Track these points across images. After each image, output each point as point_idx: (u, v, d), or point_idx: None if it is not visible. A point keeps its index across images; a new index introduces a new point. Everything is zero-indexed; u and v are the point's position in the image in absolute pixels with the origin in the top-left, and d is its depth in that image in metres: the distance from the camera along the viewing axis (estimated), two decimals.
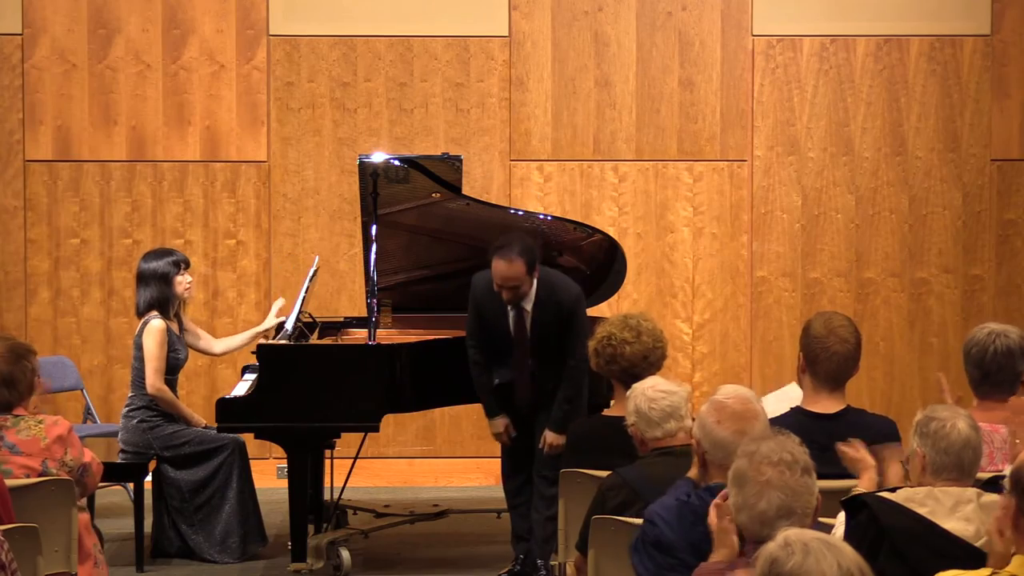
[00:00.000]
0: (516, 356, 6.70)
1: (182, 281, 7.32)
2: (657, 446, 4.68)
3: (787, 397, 5.43)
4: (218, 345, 7.77)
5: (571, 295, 6.72)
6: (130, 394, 7.33)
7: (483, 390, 6.81)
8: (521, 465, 6.82)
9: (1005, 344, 4.97)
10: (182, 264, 7.34)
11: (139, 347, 7.26)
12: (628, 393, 4.90)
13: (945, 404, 4.22)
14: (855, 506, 4.02)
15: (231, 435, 7.18)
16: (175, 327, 7.34)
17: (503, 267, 6.54)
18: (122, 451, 7.25)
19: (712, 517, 3.66)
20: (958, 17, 9.84)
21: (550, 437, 6.58)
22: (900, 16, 9.83)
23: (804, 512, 3.42)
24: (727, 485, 3.51)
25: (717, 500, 3.66)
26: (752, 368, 9.86)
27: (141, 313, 7.32)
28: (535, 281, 6.65)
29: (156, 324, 7.21)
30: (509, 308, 6.65)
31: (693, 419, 4.35)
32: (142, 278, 7.33)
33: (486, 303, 6.70)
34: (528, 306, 6.65)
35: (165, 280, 7.27)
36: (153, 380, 7.19)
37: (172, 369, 7.30)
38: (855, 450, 4.48)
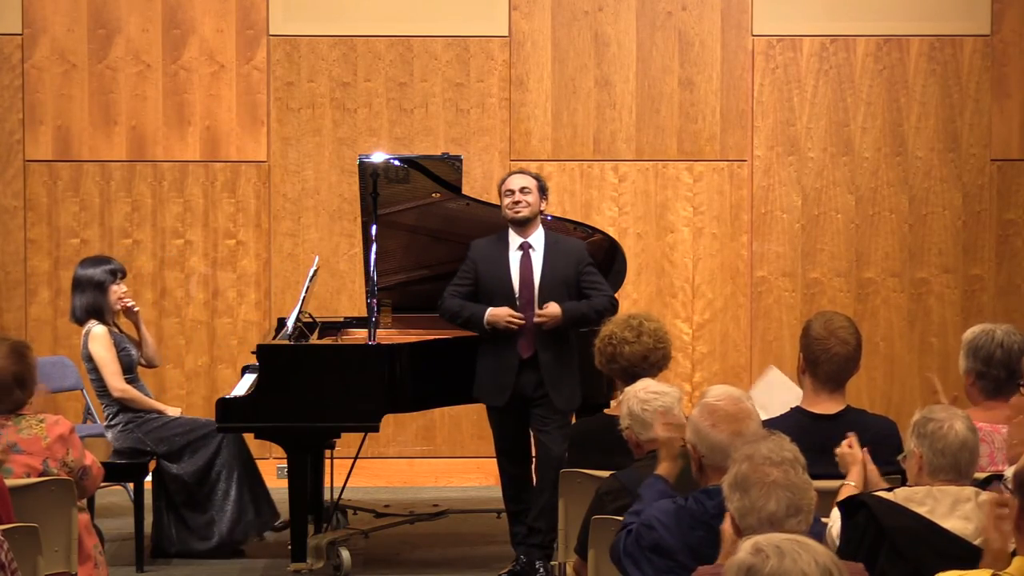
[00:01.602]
0: (521, 304, 6.74)
1: (116, 291, 7.27)
2: (652, 448, 4.67)
3: (771, 385, 5.42)
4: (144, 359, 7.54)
5: (578, 242, 6.99)
6: (103, 405, 7.30)
7: (464, 310, 6.80)
8: (519, 471, 6.82)
9: (1012, 343, 4.96)
10: (119, 273, 7.30)
11: (88, 358, 7.22)
12: (621, 397, 4.90)
13: (943, 405, 4.21)
14: (852, 507, 4.02)
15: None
16: (116, 330, 7.32)
17: (517, 175, 6.90)
18: (116, 452, 7.24)
19: (727, 524, 3.65)
20: (958, 17, 9.84)
21: (552, 306, 6.65)
22: (900, 16, 9.83)
23: (808, 508, 3.44)
24: (725, 492, 3.49)
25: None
26: (752, 368, 9.85)
27: (80, 320, 7.27)
28: (541, 226, 6.84)
29: (98, 330, 7.18)
30: (513, 251, 6.75)
31: (687, 418, 4.35)
32: (78, 284, 7.28)
33: (487, 256, 6.83)
34: (537, 246, 6.78)
35: (100, 288, 7.23)
36: (114, 383, 7.17)
37: (128, 368, 7.27)
38: (848, 445, 4.47)
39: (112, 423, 7.24)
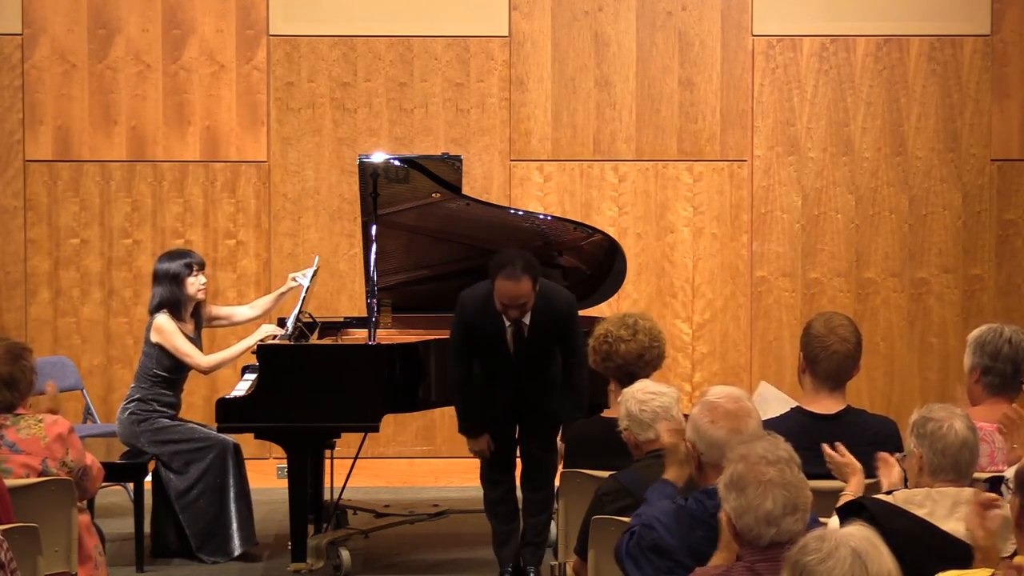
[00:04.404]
0: (515, 371, 6.54)
1: (194, 283, 7.32)
2: (651, 449, 4.67)
3: (765, 400, 5.42)
4: (251, 310, 7.85)
5: (566, 301, 6.58)
6: (132, 385, 7.35)
7: (467, 410, 6.60)
8: (504, 473, 6.75)
9: (1019, 341, 4.96)
10: (195, 266, 7.34)
11: (148, 342, 7.28)
12: (619, 398, 4.89)
13: (942, 404, 4.20)
14: (851, 510, 4.01)
15: (220, 436, 7.17)
16: (189, 328, 7.33)
17: (511, 287, 6.29)
18: (125, 454, 7.27)
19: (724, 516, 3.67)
20: (958, 17, 9.85)
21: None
22: (900, 16, 9.83)
23: (805, 507, 3.46)
24: (721, 492, 3.49)
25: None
26: (752, 368, 9.86)
27: (152, 311, 7.35)
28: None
29: (160, 320, 7.23)
30: (507, 323, 6.46)
31: (686, 416, 4.35)
32: (156, 278, 7.36)
33: (479, 321, 6.48)
34: (527, 319, 6.46)
35: (176, 281, 7.28)
36: (197, 363, 7.25)
37: (180, 368, 7.30)
38: (840, 454, 4.47)
39: (126, 405, 7.28)
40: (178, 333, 7.23)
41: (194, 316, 7.41)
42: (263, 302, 7.94)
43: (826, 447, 4.47)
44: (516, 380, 6.58)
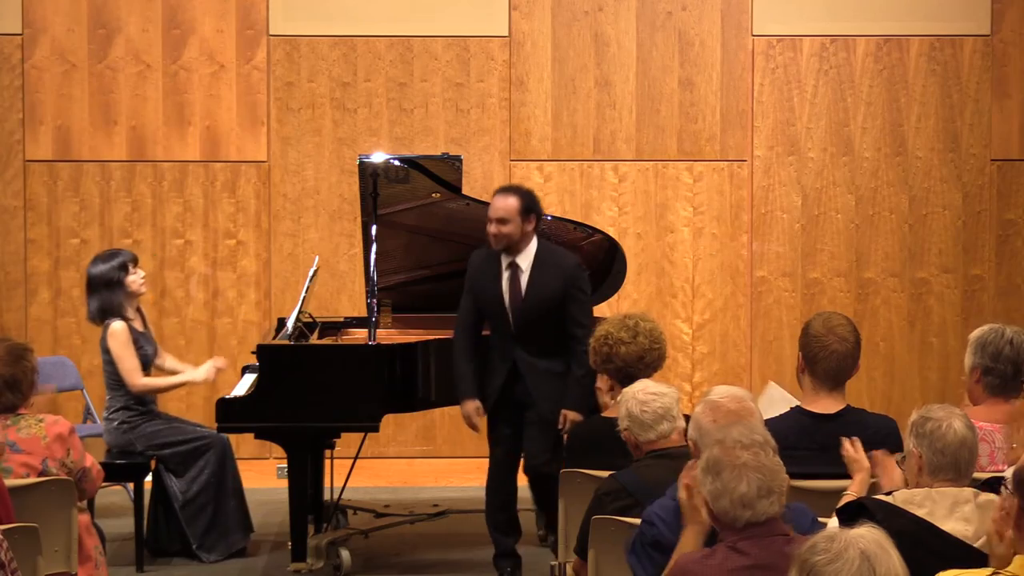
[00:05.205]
0: (514, 334, 6.58)
1: (135, 279, 7.23)
2: (652, 449, 4.67)
3: (772, 400, 5.43)
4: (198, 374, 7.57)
5: (571, 260, 6.71)
6: (107, 397, 7.27)
7: (461, 375, 6.69)
8: (507, 481, 6.77)
9: (1021, 342, 4.96)
10: (130, 263, 7.26)
11: (106, 351, 7.17)
12: (619, 398, 4.89)
13: (941, 404, 4.21)
14: (850, 511, 4.02)
15: (212, 432, 7.16)
16: (138, 324, 7.29)
17: (497, 200, 6.61)
18: (108, 452, 7.23)
19: (682, 494, 3.75)
20: (958, 17, 9.85)
21: (571, 416, 6.43)
22: (900, 16, 9.83)
23: (780, 490, 3.53)
24: (699, 477, 3.57)
25: (685, 478, 3.75)
26: (752, 368, 9.86)
27: (95, 319, 7.24)
28: (534, 240, 6.61)
29: (116, 325, 7.13)
30: (504, 269, 6.59)
31: (686, 416, 4.36)
32: (91, 284, 7.22)
33: (481, 271, 6.67)
34: (524, 264, 6.58)
35: (112, 286, 7.15)
36: (133, 380, 7.13)
37: (146, 365, 7.25)
38: (855, 450, 4.50)
39: (111, 416, 7.24)
40: (129, 345, 7.11)
41: (139, 313, 7.33)
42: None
43: (845, 440, 4.51)
44: (514, 345, 6.59)
